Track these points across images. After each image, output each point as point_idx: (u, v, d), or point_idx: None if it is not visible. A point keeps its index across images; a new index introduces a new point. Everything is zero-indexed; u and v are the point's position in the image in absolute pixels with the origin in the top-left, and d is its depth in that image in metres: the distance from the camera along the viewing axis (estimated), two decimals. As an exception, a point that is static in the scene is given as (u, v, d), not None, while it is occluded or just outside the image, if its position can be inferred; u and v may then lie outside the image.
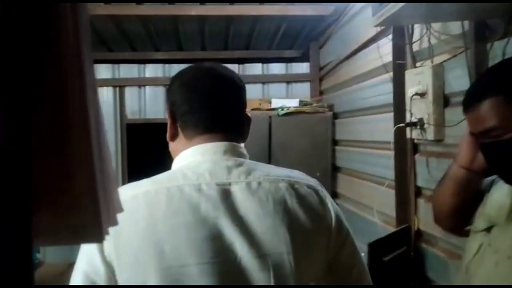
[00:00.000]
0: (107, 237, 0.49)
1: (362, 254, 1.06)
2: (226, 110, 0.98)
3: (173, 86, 0.99)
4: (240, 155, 0.97)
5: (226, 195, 0.88)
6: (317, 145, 3.32)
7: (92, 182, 0.42)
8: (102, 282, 0.84)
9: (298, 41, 3.86)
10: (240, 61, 3.98)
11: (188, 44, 3.88)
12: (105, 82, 3.83)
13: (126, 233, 0.83)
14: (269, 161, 3.29)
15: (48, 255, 3.70)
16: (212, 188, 0.88)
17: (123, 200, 0.55)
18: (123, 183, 3.88)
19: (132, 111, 3.89)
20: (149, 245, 0.83)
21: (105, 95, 3.85)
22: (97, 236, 0.43)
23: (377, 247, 1.80)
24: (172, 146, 1.00)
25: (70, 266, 3.02)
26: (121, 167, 3.87)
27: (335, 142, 3.33)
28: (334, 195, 3.33)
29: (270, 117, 3.30)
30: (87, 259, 0.85)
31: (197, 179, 0.89)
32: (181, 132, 0.96)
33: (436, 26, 1.70)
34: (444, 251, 1.76)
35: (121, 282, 0.84)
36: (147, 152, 3.98)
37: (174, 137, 0.98)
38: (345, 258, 0.99)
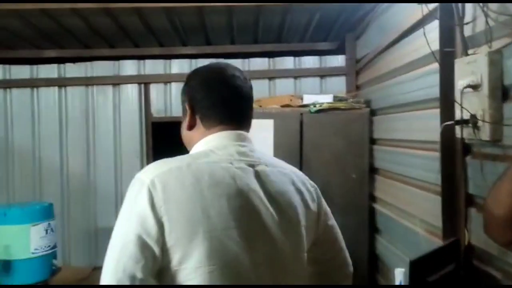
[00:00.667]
0: (158, 200, 0.94)
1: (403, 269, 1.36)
2: (241, 106, 1.18)
3: (192, 83, 1.17)
4: (251, 142, 1.17)
5: (254, 172, 1.09)
6: (352, 144, 3.06)
7: None
8: (153, 243, 0.95)
9: (333, 33, 3.60)
10: (271, 54, 3.76)
11: (217, 38, 3.70)
12: (130, 79, 3.71)
13: (175, 197, 0.99)
14: (300, 161, 3.07)
15: (72, 259, 3.64)
16: (243, 166, 1.08)
17: (168, 169, 0.99)
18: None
19: (158, 109, 3.75)
20: (197, 208, 0.99)
21: (130, 92, 3.73)
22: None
23: (421, 265, 1.55)
24: (189, 134, 1.19)
25: (94, 270, 2.85)
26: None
27: (372, 141, 3.06)
28: (371, 198, 3.07)
29: (301, 114, 3.08)
30: (138, 221, 0.96)
31: (229, 158, 1.08)
32: (200, 122, 1.14)
33: (493, 5, 1.43)
34: (500, 270, 1.49)
35: (169, 242, 0.96)
36: (172, 151, 3.82)
37: (192, 127, 1.17)
38: (329, 233, 1.28)
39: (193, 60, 3.74)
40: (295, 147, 3.08)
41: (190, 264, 0.96)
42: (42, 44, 3.61)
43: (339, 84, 3.66)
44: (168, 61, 3.74)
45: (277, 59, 3.75)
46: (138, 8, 2.88)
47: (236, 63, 3.73)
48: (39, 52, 3.73)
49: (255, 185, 1.07)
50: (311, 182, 1.25)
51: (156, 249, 0.95)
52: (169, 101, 3.76)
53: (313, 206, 1.18)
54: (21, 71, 3.66)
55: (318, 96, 3.24)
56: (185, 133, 1.20)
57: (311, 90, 3.60)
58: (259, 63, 3.74)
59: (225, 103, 1.14)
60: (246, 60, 3.75)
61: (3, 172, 3.63)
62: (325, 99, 3.14)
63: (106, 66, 3.71)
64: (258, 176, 1.09)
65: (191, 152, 1.14)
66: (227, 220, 1.00)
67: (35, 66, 3.69)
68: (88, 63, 3.70)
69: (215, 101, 1.14)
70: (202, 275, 0.96)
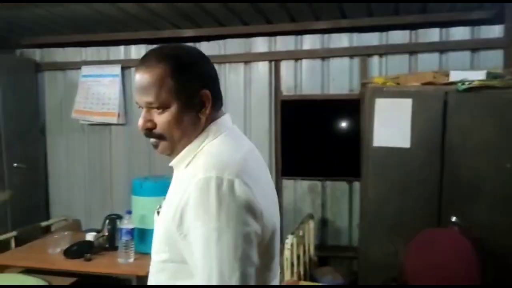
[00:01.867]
0: (253, 188, 1.01)
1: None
2: None
3: (204, 67, 1.13)
4: None
5: None
6: (509, 129, 2.60)
7: None
8: (258, 240, 1.01)
9: (491, -1, 3.08)
10: (413, 27, 3.37)
11: (352, 11, 3.44)
12: (261, 56, 3.67)
13: (258, 181, 1.05)
14: (442, 148, 2.72)
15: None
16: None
17: (242, 157, 1.06)
18: (277, 163, 3.70)
19: (288, 87, 3.66)
20: (270, 197, 1.11)
21: (261, 69, 3.69)
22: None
23: None
24: (196, 119, 1.10)
25: None
26: (274, 145, 3.70)
27: (535, 126, 2.56)
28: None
29: (446, 93, 2.69)
30: (243, 221, 0.98)
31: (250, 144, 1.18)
32: (212, 103, 1.10)
33: None
34: None
35: (266, 237, 1.04)
36: (301, 130, 3.72)
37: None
38: None
39: (326, 35, 3.55)
40: (436, 131, 2.72)
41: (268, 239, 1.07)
42: (182, 24, 3.76)
43: (495, 59, 3.16)
44: (299, 37, 3.60)
45: (420, 31, 3.35)
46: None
47: (373, 37, 3.45)
48: (179, 32, 3.90)
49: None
50: None
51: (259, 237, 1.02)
52: (299, 78, 3.63)
53: None
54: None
55: (468, 72, 2.79)
56: (194, 120, 1.09)
57: (460, 66, 3.14)
58: (399, 37, 3.40)
59: (218, 84, 1.17)
60: (384, 33, 3.43)
61: (146, 147, 3.90)
62: (477, 76, 2.69)
63: (238, 44, 3.73)
64: None
65: (207, 133, 1.11)
66: (275, 208, 1.14)
67: (174, 45, 3.86)
68: (221, 41, 3.76)
69: (219, 84, 1.17)
70: (271, 245, 1.09)
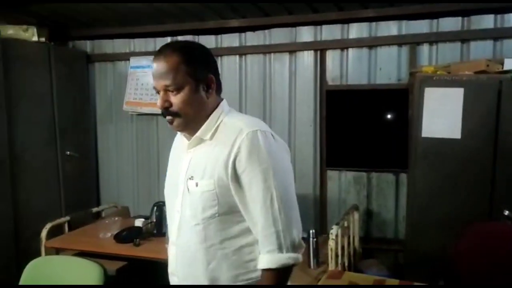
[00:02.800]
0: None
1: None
2: None
3: (209, 58, 1.39)
4: None
5: None
6: None
7: None
8: None
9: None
10: (466, 13, 3.24)
11: (402, -2, 3.34)
12: (306, 46, 3.62)
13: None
14: (495, 138, 2.64)
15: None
16: None
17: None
18: (321, 154, 3.66)
19: (333, 77, 3.61)
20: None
21: (306, 59, 3.65)
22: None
23: None
24: (206, 101, 1.35)
25: None
26: (319, 135, 3.67)
27: None
28: None
29: (500, 82, 2.60)
30: (287, 159, 1.39)
31: None
32: (215, 89, 1.37)
33: None
34: None
35: None
36: (346, 120, 3.67)
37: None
38: None
39: (373, 23, 3.46)
40: (489, 122, 2.63)
41: None
42: (227, 14, 3.78)
43: (553, 46, 2.99)
44: (345, 25, 3.53)
45: (473, 17, 3.21)
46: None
47: (423, 24, 3.36)
48: (224, 22, 3.92)
49: None
50: None
51: None
52: (345, 68, 3.57)
53: None
54: (208, 41, 3.90)
55: (524, 60, 2.67)
56: (204, 94, 1.34)
57: (516, 54, 3.00)
58: (450, 24, 3.26)
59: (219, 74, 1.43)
60: (435, 20, 3.31)
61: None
62: (534, 64, 2.58)
63: (283, 33, 3.70)
64: None
65: (221, 110, 1.38)
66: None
67: (219, 36, 3.89)
68: (266, 31, 3.75)
69: (219, 74, 1.42)
70: None
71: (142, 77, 4.08)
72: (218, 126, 1.35)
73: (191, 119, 1.33)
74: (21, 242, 3.46)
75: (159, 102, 1.32)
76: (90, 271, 1.85)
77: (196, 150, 1.38)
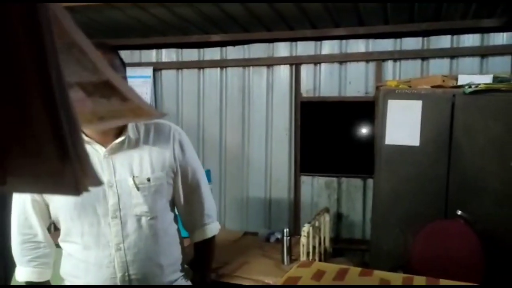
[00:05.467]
0: None
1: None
2: None
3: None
4: None
5: None
6: (513, 130, 2.78)
7: (54, 128, 0.38)
8: None
9: (501, 8, 3.26)
10: (426, 33, 3.58)
11: (370, 19, 3.66)
12: (282, 60, 3.91)
13: None
14: (449, 146, 2.91)
15: (226, 223, 4.04)
16: None
17: None
18: (296, 160, 3.91)
19: (307, 89, 3.90)
20: None
21: (282, 73, 3.94)
22: (72, 187, 0.39)
23: None
24: None
25: (245, 235, 3.21)
26: (294, 143, 3.93)
27: (538, 128, 2.73)
28: (533, 191, 2.76)
29: (454, 95, 2.89)
30: None
31: None
32: None
33: None
34: None
35: None
36: (319, 129, 3.95)
37: None
38: None
39: (344, 41, 3.77)
40: (444, 131, 2.92)
41: None
42: (210, 29, 4.03)
43: (503, 65, 3.33)
44: (318, 42, 3.83)
45: (432, 38, 3.55)
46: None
47: (388, 43, 3.67)
48: (207, 37, 4.17)
49: None
50: None
51: None
52: (318, 81, 3.86)
53: None
54: (191, 54, 4.15)
55: (475, 76, 2.99)
56: None
57: (469, 71, 3.33)
58: (412, 43, 3.60)
59: None
60: (398, 40, 3.64)
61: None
62: (483, 80, 2.89)
63: (262, 48, 3.97)
64: None
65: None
66: None
67: (202, 50, 4.14)
68: (246, 46, 4.02)
69: None
70: None
71: (127, 86, 4.28)
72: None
73: None
74: None
75: None
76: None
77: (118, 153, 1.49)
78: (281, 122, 3.94)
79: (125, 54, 4.38)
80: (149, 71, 4.22)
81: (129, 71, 4.28)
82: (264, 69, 3.98)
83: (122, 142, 1.46)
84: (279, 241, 3.15)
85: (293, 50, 3.91)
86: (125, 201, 1.43)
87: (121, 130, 1.45)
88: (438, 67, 3.50)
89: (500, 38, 3.39)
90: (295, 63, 3.89)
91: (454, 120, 2.91)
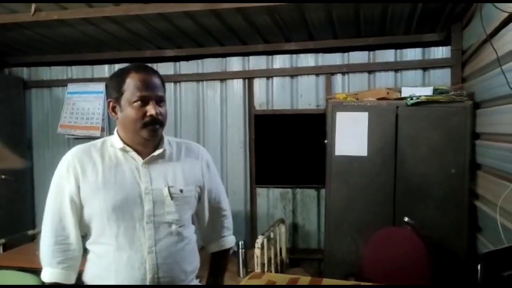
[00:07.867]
0: None
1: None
2: None
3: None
4: None
5: None
6: (452, 138, 2.94)
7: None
8: None
9: (440, 24, 3.45)
10: (372, 48, 3.73)
11: (319, 33, 3.78)
12: (236, 74, 3.98)
13: None
14: (395, 155, 3.04)
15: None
16: None
17: None
18: (251, 172, 3.91)
19: (260, 103, 3.97)
20: None
21: (236, 87, 4.00)
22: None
23: (495, 258, 1.50)
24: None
25: (202, 249, 3.15)
26: (248, 156, 3.99)
27: (475, 136, 2.91)
28: (473, 195, 2.92)
29: (397, 107, 3.03)
30: None
31: None
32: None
33: None
34: None
35: None
36: (273, 142, 4.02)
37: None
38: None
39: (294, 55, 3.88)
40: (390, 140, 3.04)
41: None
42: (163, 44, 4.05)
43: (443, 77, 3.53)
44: (270, 56, 3.92)
45: (378, 52, 3.72)
46: (241, 8, 3.09)
47: (336, 57, 3.79)
48: (161, 52, 4.18)
49: None
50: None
51: None
52: (271, 95, 3.95)
53: None
54: (145, 69, 4.13)
55: (417, 88, 3.15)
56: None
57: (413, 83, 3.51)
58: (359, 57, 3.75)
59: None
60: (346, 54, 3.78)
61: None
62: (424, 92, 3.05)
63: (215, 63, 4.03)
64: None
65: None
66: None
67: (155, 64, 4.14)
68: (199, 61, 4.06)
69: None
70: None
71: (78, 102, 4.22)
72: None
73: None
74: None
75: (154, 110, 1.45)
76: (26, 282, 1.98)
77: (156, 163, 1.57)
78: (236, 135, 3.99)
79: (77, 70, 4.33)
80: (101, 86, 4.17)
81: (82, 87, 4.28)
82: (217, 84, 4.03)
83: (160, 155, 1.56)
84: (236, 253, 3.17)
85: (245, 65, 3.98)
86: (159, 208, 1.52)
87: (157, 144, 1.57)
88: (384, 79, 3.66)
89: (440, 52, 3.58)
90: (248, 77, 3.97)
91: (398, 131, 3.04)
